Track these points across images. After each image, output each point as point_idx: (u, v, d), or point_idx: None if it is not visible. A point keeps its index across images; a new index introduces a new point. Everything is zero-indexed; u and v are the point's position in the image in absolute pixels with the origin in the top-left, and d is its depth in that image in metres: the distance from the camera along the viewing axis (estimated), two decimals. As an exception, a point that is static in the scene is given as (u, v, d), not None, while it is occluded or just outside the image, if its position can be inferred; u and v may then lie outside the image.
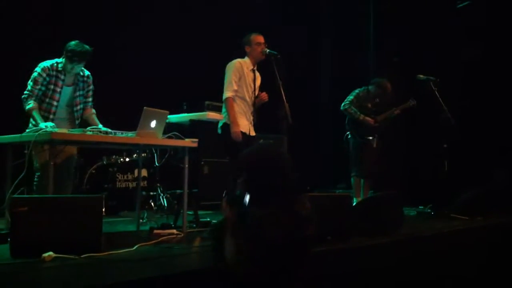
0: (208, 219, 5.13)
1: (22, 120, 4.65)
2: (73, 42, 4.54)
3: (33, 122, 4.48)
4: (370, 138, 6.57)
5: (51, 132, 3.84)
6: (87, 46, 4.55)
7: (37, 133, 3.88)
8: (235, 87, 4.96)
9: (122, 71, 6.81)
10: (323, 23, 10.25)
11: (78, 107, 4.78)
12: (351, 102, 6.55)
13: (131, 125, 4.33)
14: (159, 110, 4.43)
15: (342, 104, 6.59)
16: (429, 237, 4.68)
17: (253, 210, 2.41)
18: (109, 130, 4.27)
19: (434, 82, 6.41)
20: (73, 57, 4.50)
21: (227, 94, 4.95)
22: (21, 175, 4.07)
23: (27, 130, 4.39)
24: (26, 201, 3.36)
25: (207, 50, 7.87)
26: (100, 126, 4.54)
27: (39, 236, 3.24)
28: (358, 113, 6.50)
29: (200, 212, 5.29)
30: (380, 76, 6.92)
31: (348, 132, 6.71)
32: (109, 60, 6.55)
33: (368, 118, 6.52)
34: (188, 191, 4.70)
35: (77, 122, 4.77)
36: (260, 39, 5.09)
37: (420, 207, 6.80)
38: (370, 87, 6.70)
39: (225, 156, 5.84)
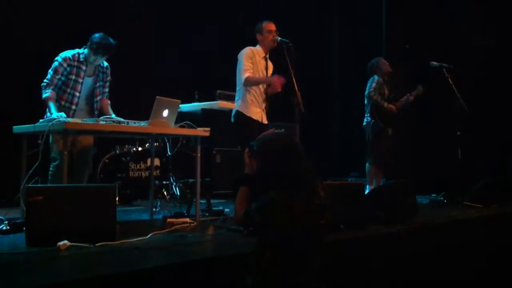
0: (221, 208, 5.14)
1: (36, 109, 4.67)
2: (98, 35, 4.53)
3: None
4: (390, 126, 6.53)
5: (64, 122, 3.85)
6: (111, 40, 4.55)
7: (50, 123, 3.90)
8: (251, 70, 4.94)
9: (133, 61, 6.81)
10: (333, 8, 10.18)
11: (98, 98, 4.78)
12: (374, 89, 6.48)
13: (144, 115, 4.34)
14: (171, 99, 4.43)
15: (367, 91, 6.48)
16: (444, 224, 4.66)
17: (268, 193, 2.42)
18: (122, 119, 4.28)
19: (447, 69, 6.36)
20: (98, 49, 4.50)
21: (245, 75, 4.93)
22: (36, 165, 4.10)
23: (40, 120, 4.41)
24: (41, 190, 3.38)
25: (218, 38, 7.86)
26: (113, 115, 4.55)
27: (54, 225, 3.27)
28: (383, 100, 6.46)
29: (212, 201, 5.31)
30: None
31: (369, 119, 6.62)
32: (121, 50, 6.55)
33: (391, 106, 6.48)
34: (201, 180, 4.71)
35: (96, 112, 4.77)
36: (271, 26, 5.08)
37: (433, 195, 6.76)
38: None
39: (237, 144, 5.86)
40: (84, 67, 4.63)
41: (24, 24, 6.15)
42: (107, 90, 4.87)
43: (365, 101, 6.57)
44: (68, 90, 4.60)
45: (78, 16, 6.38)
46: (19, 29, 6.13)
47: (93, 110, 4.77)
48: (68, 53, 4.59)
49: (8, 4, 6.13)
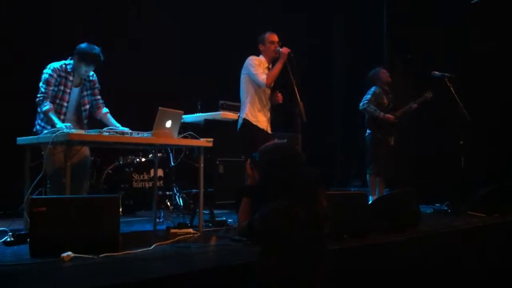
0: (224, 218, 5.14)
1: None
2: (83, 45, 4.58)
3: (41, 124, 4.53)
4: (389, 135, 6.52)
5: (68, 133, 3.86)
6: (97, 48, 4.58)
7: (54, 135, 3.91)
8: (264, 73, 4.95)
9: (136, 72, 6.84)
10: (336, 18, 10.22)
11: (86, 107, 4.80)
12: (369, 100, 6.49)
13: (147, 126, 4.36)
14: (174, 110, 4.44)
15: (361, 103, 6.51)
16: (447, 234, 4.65)
17: (271, 202, 2.43)
18: (128, 130, 4.30)
19: (449, 79, 6.37)
20: (86, 59, 4.54)
21: (262, 76, 4.94)
22: (39, 176, 4.11)
23: (44, 131, 4.42)
24: (45, 201, 3.39)
25: (220, 49, 7.89)
26: (119, 125, 4.56)
27: (58, 236, 3.28)
28: (378, 111, 6.44)
29: (215, 211, 5.31)
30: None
31: (368, 131, 6.65)
32: (123, 61, 6.59)
33: (388, 115, 6.45)
34: (204, 191, 4.71)
35: (85, 121, 4.79)
36: (274, 37, 5.11)
37: (436, 204, 6.75)
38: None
39: (241, 154, 5.88)
40: (71, 78, 4.65)
41: (26, 35, 6.20)
42: (99, 97, 4.87)
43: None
44: (57, 101, 4.60)
45: (80, 27, 6.41)
46: (21, 39, 6.17)
47: (82, 120, 4.78)
48: (55, 64, 4.61)
49: (9, 16, 6.17)
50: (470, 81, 7.27)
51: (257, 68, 4.99)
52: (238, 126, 5.14)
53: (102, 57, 4.61)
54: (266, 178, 2.56)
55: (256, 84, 5.01)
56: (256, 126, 5.02)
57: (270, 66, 5.13)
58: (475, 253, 4.59)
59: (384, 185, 6.58)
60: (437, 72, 6.44)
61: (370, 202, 5.18)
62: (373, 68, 6.80)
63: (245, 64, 5.08)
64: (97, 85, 4.87)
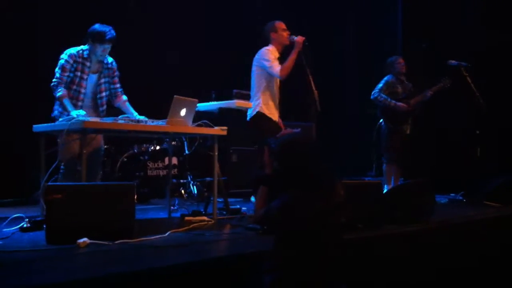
0: (238, 207, 5.16)
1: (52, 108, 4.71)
2: (96, 25, 4.53)
3: (59, 109, 4.52)
4: (404, 124, 6.46)
5: (83, 121, 3.87)
6: (108, 26, 4.54)
7: (70, 122, 3.92)
8: (278, 65, 4.88)
9: (151, 60, 6.85)
10: (348, 9, 10.14)
11: (103, 94, 4.75)
12: (380, 89, 6.43)
13: (161, 114, 4.36)
14: (189, 98, 4.44)
15: (372, 92, 6.48)
16: (462, 224, 4.62)
17: (289, 191, 2.43)
18: (144, 118, 4.30)
19: (466, 68, 6.30)
20: (100, 38, 4.48)
21: (277, 68, 4.82)
22: (55, 163, 4.14)
23: (60, 119, 4.43)
24: (61, 188, 3.41)
25: (235, 38, 7.87)
26: (136, 114, 4.57)
27: (74, 223, 3.31)
28: (389, 99, 6.37)
29: (229, 200, 5.32)
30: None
31: (381, 120, 6.62)
32: (138, 49, 6.60)
33: (400, 104, 6.38)
34: (218, 179, 4.72)
35: (101, 109, 4.75)
36: (284, 25, 5.03)
37: (451, 194, 6.71)
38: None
39: (254, 144, 5.86)
40: (88, 64, 4.61)
41: (41, 24, 6.22)
42: (118, 85, 4.83)
43: None
44: (74, 87, 4.58)
45: (92, 16, 6.41)
46: (36, 30, 6.20)
47: (98, 107, 4.74)
48: (73, 50, 4.58)
49: (25, 5, 6.21)
50: (486, 70, 7.18)
51: (272, 60, 4.89)
52: (250, 117, 5.03)
53: (114, 34, 4.54)
54: (284, 168, 2.57)
55: (269, 76, 4.92)
56: (270, 118, 4.95)
57: (279, 55, 5.03)
58: (491, 244, 4.56)
59: (400, 175, 6.54)
60: (453, 61, 6.37)
61: (384, 192, 5.15)
62: (389, 56, 6.74)
63: (258, 56, 4.97)
64: (116, 72, 4.82)
